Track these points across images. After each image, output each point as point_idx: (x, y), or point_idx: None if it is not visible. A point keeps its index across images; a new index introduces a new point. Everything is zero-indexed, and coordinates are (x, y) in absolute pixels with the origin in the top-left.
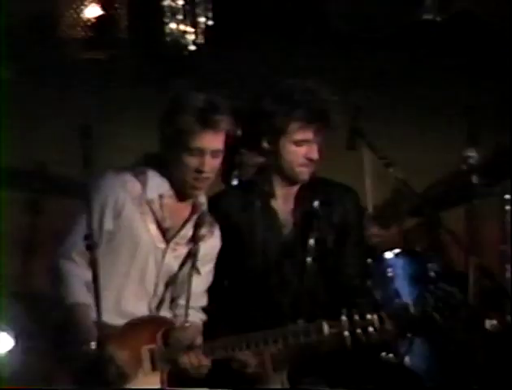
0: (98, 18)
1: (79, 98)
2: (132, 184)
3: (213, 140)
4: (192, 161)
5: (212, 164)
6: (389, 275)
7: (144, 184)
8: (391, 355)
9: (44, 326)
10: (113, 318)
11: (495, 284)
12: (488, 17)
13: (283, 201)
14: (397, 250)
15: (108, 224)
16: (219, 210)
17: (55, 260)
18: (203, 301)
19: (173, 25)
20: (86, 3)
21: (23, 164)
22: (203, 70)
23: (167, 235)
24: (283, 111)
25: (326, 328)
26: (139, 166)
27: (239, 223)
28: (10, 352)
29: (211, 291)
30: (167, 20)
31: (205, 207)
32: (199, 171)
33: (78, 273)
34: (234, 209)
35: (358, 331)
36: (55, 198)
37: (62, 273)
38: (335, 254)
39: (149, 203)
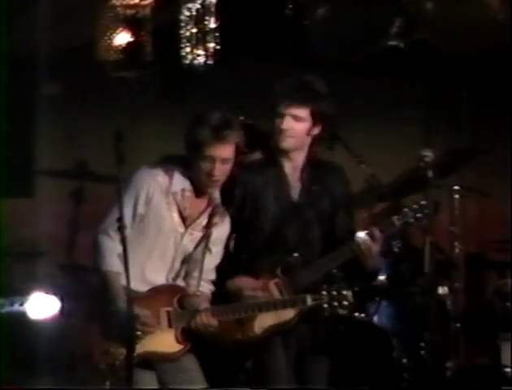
0: (128, 43)
1: (112, 110)
2: (161, 177)
3: (223, 151)
4: (205, 166)
5: (222, 169)
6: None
7: (171, 179)
8: (362, 315)
9: (84, 291)
10: (138, 285)
11: (446, 258)
12: (439, 45)
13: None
14: (367, 231)
15: (141, 209)
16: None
17: (95, 235)
18: (212, 275)
19: (188, 49)
20: (118, 31)
21: (67, 163)
22: (212, 86)
23: (186, 222)
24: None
25: (309, 300)
26: (166, 164)
27: (257, 188)
28: (58, 312)
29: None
30: (183, 45)
31: (218, 201)
32: (210, 175)
33: (112, 246)
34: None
35: (335, 304)
36: (95, 189)
37: (99, 245)
38: (330, 220)
39: (173, 195)
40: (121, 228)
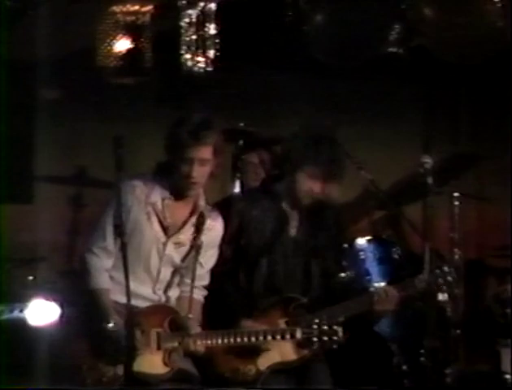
0: (128, 50)
1: (112, 116)
2: (139, 189)
3: (201, 152)
4: (184, 169)
5: (201, 171)
6: (361, 257)
7: (150, 189)
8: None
9: (82, 298)
10: (124, 299)
11: (445, 265)
12: (438, 50)
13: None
14: (367, 237)
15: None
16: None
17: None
18: (206, 280)
19: (188, 56)
20: (118, 38)
21: (66, 170)
22: (212, 92)
23: (168, 231)
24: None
25: (299, 333)
26: (149, 173)
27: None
28: (57, 319)
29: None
30: (182, 52)
31: (204, 206)
32: (189, 177)
33: (98, 263)
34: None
35: (325, 338)
36: (94, 195)
37: (86, 264)
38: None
39: (153, 205)
40: (121, 235)
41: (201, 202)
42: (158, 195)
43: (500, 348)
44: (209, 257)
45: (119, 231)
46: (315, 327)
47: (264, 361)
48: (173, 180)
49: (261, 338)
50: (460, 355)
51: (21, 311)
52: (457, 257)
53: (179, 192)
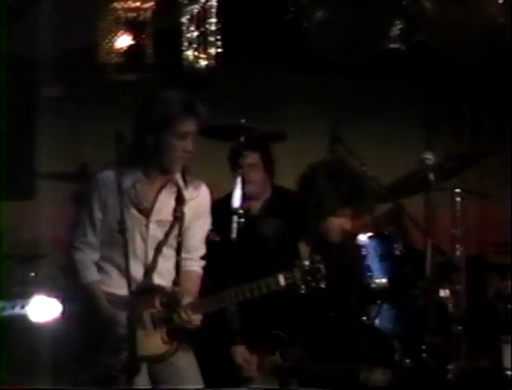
0: (129, 46)
1: (113, 112)
2: (111, 180)
3: (194, 125)
4: (179, 143)
5: (192, 146)
6: (363, 253)
7: (121, 176)
8: (364, 318)
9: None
10: (122, 289)
11: (447, 260)
12: (440, 47)
13: None
14: (369, 234)
15: (98, 214)
16: None
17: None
18: (202, 250)
19: (189, 52)
20: (119, 34)
21: (68, 166)
22: (213, 88)
23: (146, 213)
24: None
25: (282, 280)
26: (118, 162)
27: None
28: (59, 315)
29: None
30: (184, 48)
31: (178, 179)
32: (186, 152)
33: (82, 257)
34: None
35: (309, 278)
36: None
37: (72, 261)
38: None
39: (126, 191)
40: (122, 231)
41: (176, 176)
42: (129, 180)
43: (501, 345)
44: (200, 227)
45: (121, 227)
46: (297, 269)
47: None
48: (152, 160)
49: (248, 294)
50: (462, 351)
51: (23, 308)
52: (458, 253)
53: (159, 170)
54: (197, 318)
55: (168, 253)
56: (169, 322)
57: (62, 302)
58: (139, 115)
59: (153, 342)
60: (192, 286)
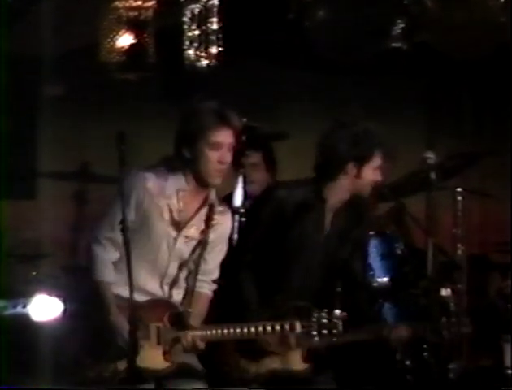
0: (130, 45)
1: (115, 111)
2: (152, 182)
3: (230, 136)
4: (212, 154)
5: (229, 156)
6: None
7: (164, 181)
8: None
9: (85, 293)
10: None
11: (449, 260)
12: (441, 46)
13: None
14: (371, 232)
15: (131, 215)
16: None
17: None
18: (215, 274)
19: (191, 51)
20: (120, 33)
21: (69, 165)
22: (215, 87)
23: (179, 225)
24: None
25: (298, 327)
26: (159, 166)
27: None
28: (61, 314)
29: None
30: (185, 47)
31: (214, 199)
32: (221, 162)
33: (103, 255)
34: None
35: (324, 331)
36: (97, 190)
37: (92, 254)
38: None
39: (167, 198)
40: (124, 231)
41: (212, 196)
42: (172, 187)
43: (503, 344)
44: (217, 253)
45: (123, 227)
46: (314, 320)
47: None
48: (195, 169)
49: (260, 330)
50: (463, 350)
51: (24, 307)
52: (460, 252)
53: (201, 181)
54: (201, 346)
55: (185, 272)
56: (174, 341)
57: (65, 300)
58: (177, 127)
59: (153, 356)
60: (201, 308)
